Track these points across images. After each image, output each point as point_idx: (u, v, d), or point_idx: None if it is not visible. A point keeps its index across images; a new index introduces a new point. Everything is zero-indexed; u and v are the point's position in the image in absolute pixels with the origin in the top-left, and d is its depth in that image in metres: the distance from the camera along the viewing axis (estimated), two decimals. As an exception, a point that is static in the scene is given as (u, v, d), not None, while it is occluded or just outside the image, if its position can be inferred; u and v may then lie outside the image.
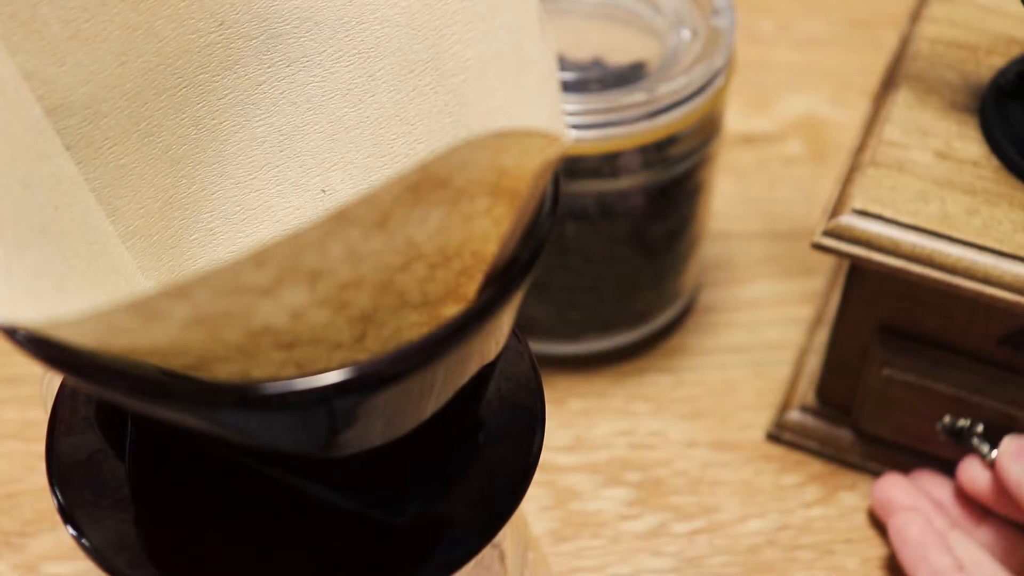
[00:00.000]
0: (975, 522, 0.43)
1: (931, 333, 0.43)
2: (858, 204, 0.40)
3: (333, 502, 0.25)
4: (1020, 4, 0.42)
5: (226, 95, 0.28)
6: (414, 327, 0.21)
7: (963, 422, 0.43)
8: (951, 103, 0.44)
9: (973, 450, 0.43)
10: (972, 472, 0.43)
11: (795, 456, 0.49)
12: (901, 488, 0.44)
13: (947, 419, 0.44)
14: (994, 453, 0.42)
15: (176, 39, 0.27)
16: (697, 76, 0.44)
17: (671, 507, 0.47)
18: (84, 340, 0.19)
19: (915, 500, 0.44)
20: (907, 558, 0.41)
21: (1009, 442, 0.41)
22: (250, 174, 0.28)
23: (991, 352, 0.42)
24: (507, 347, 0.28)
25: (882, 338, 0.44)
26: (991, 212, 0.40)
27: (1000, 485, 0.41)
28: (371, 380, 0.20)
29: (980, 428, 0.43)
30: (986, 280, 0.39)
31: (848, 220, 0.40)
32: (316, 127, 0.28)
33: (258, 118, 0.28)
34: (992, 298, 0.39)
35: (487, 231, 0.21)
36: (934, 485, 0.45)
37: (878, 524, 0.46)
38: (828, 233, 0.40)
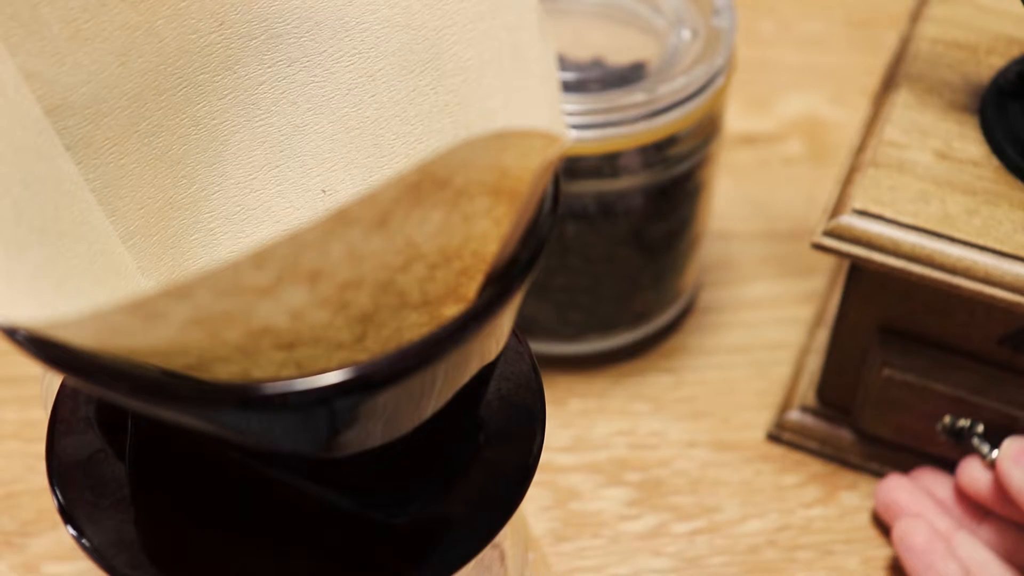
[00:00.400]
0: (977, 521, 0.43)
1: (931, 333, 0.43)
2: (858, 204, 0.40)
3: (333, 502, 0.25)
4: (1020, 4, 0.42)
5: (226, 95, 0.28)
6: (414, 327, 0.21)
7: (963, 422, 0.43)
8: (951, 103, 0.44)
9: (973, 450, 0.43)
10: (972, 473, 0.43)
11: (795, 456, 0.49)
12: (905, 490, 0.44)
13: (947, 419, 0.44)
14: (994, 453, 0.42)
15: (176, 39, 0.27)
16: (697, 76, 0.44)
17: (671, 507, 0.47)
18: (84, 340, 0.19)
19: (919, 502, 0.43)
20: (913, 566, 0.41)
21: (1010, 444, 0.41)
22: (250, 174, 0.28)
23: (991, 352, 0.42)
24: (507, 347, 0.28)
25: (882, 338, 0.44)
26: (991, 212, 0.40)
27: (1000, 487, 0.41)
28: (371, 380, 0.20)
29: (980, 428, 0.43)
30: (986, 280, 0.39)
31: (848, 220, 0.40)
32: (316, 127, 0.28)
33: (258, 118, 0.28)
34: (992, 298, 0.39)
35: (487, 231, 0.21)
36: (936, 484, 0.45)
37: (878, 524, 0.46)
38: (828, 233, 0.40)
